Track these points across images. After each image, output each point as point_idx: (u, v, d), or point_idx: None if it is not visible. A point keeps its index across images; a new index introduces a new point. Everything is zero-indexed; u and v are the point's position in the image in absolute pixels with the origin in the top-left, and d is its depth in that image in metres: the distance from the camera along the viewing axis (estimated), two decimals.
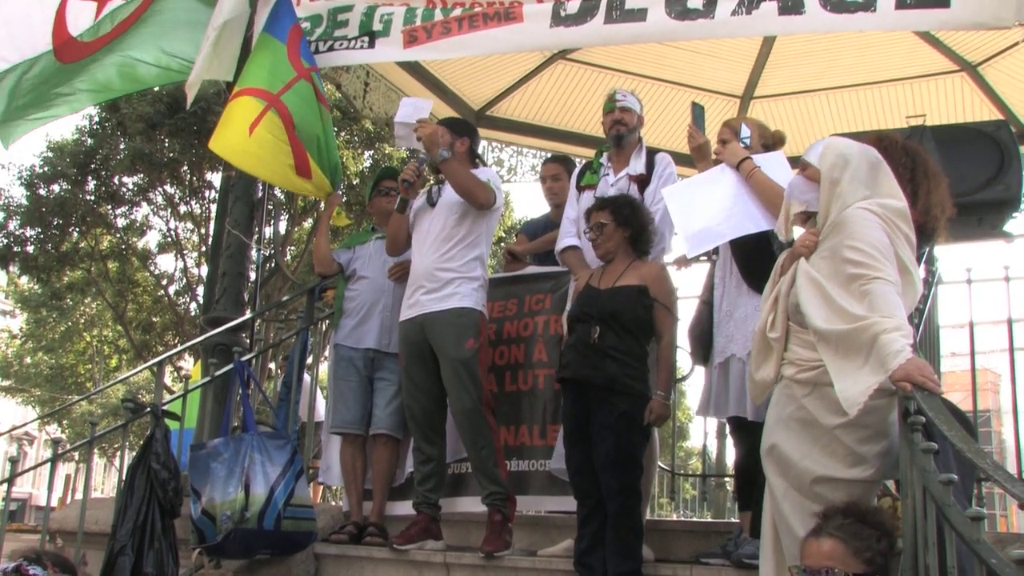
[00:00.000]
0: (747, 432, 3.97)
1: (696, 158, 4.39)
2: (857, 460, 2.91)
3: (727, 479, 6.99)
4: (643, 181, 4.53)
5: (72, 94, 5.49)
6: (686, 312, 4.59)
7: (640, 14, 4.42)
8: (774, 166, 3.99)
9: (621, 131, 4.59)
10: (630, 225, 4.16)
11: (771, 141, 4.32)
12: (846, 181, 3.10)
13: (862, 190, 3.09)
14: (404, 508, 4.85)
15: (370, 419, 4.92)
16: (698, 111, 4.41)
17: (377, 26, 5.13)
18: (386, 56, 5.32)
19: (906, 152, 3.56)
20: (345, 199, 15.76)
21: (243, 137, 5.01)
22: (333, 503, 7.11)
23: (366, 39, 5.18)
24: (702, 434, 6.79)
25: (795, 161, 3.56)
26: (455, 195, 4.62)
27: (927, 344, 3.89)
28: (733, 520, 4.28)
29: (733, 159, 4.07)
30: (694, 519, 11.64)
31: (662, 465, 6.25)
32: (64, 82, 5.44)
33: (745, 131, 4.18)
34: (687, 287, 4.97)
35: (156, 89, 16.02)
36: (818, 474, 2.91)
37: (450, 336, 4.45)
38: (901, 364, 2.69)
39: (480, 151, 7.70)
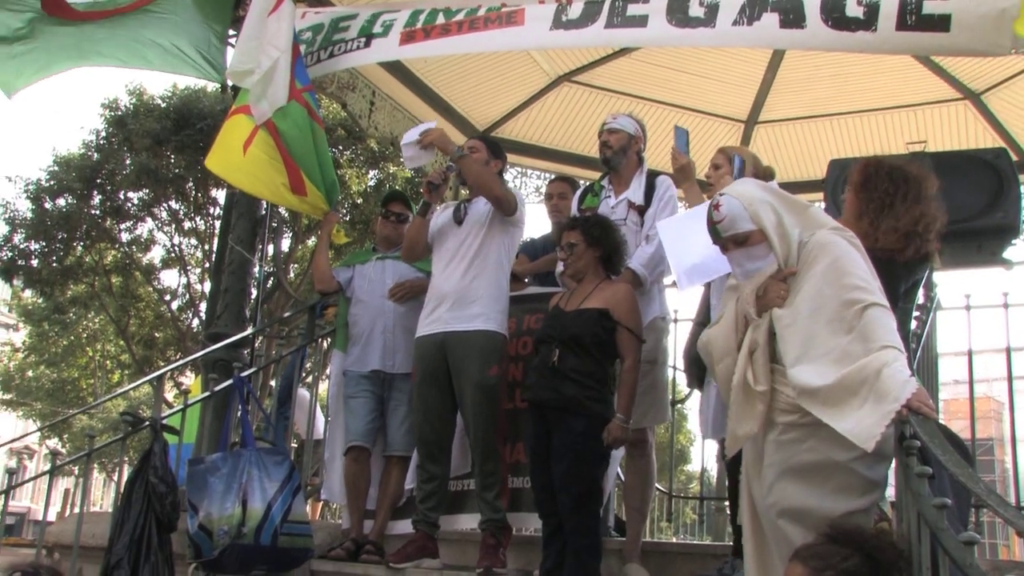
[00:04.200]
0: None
1: (679, 179, 4.44)
2: (870, 487, 2.90)
3: (726, 503, 6.98)
4: (642, 208, 4.56)
5: (78, 52, 5.40)
6: (685, 334, 4.61)
7: (641, 20, 4.41)
8: None
9: (606, 153, 4.64)
10: (601, 245, 4.20)
11: (762, 175, 4.33)
12: (787, 214, 3.10)
13: (796, 213, 3.12)
14: (403, 527, 4.84)
15: (376, 436, 4.92)
16: (681, 134, 4.44)
17: (377, 29, 5.12)
18: (381, 54, 5.26)
19: (890, 178, 3.58)
20: (348, 217, 15.82)
21: (238, 156, 5.05)
22: (332, 520, 7.10)
23: (363, 40, 5.17)
24: (702, 457, 6.80)
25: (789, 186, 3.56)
26: (482, 212, 4.65)
27: (925, 370, 3.90)
28: (730, 543, 4.26)
29: None
30: (694, 542, 11.57)
31: (660, 488, 6.25)
32: (63, 40, 5.36)
33: (738, 163, 4.19)
34: (689, 309, 4.98)
35: (163, 105, 16.21)
36: (841, 512, 2.84)
37: (474, 360, 4.42)
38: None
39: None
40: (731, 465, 4.23)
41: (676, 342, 5.18)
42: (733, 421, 3.11)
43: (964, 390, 5.19)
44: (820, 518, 2.84)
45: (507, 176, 7.76)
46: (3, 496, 5.00)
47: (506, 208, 4.58)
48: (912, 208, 3.51)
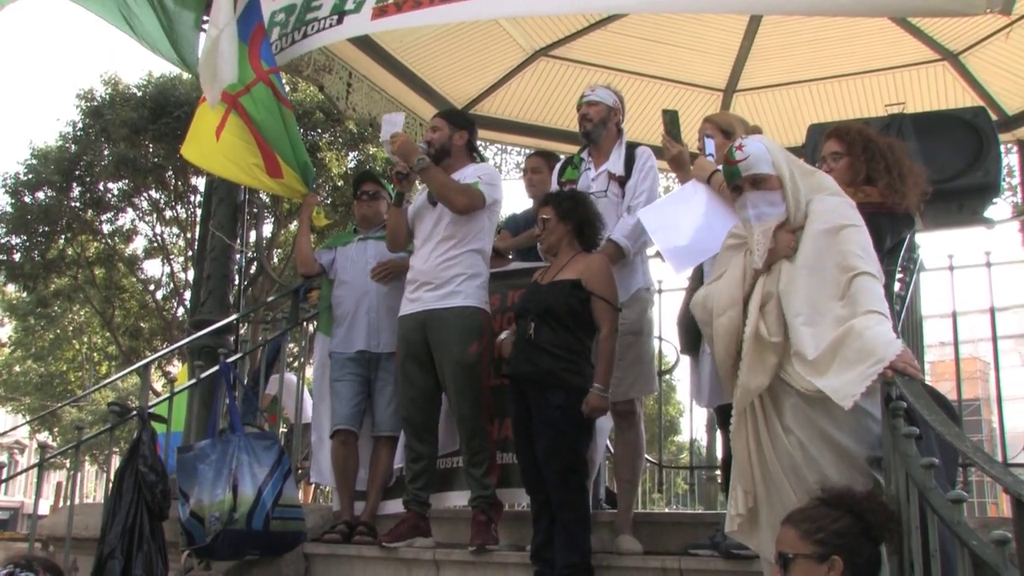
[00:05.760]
0: None
1: (673, 168, 4.32)
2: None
3: (717, 471, 7.01)
4: (623, 180, 4.54)
5: None
6: (675, 303, 4.60)
7: None
8: None
9: (586, 126, 4.61)
10: (572, 218, 4.19)
11: (750, 134, 4.32)
12: (797, 173, 3.16)
13: (805, 175, 3.18)
14: (395, 507, 4.85)
15: (363, 418, 4.93)
16: (670, 118, 4.29)
17: (349, 6, 5.08)
18: (353, 30, 5.21)
19: (861, 137, 3.63)
20: (329, 200, 15.74)
21: (211, 142, 5.03)
22: (324, 503, 7.10)
23: (335, 17, 5.12)
24: (691, 427, 6.83)
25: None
26: None
27: (910, 332, 3.90)
28: (722, 511, 4.28)
29: (702, 173, 4.03)
30: (685, 512, 11.66)
31: (651, 459, 6.28)
32: None
33: (710, 147, 4.17)
34: (674, 279, 4.97)
35: (139, 94, 16.07)
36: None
37: (454, 338, 4.42)
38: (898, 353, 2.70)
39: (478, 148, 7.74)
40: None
41: (661, 312, 5.19)
42: (745, 374, 3.07)
43: (950, 351, 5.22)
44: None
45: (488, 152, 7.77)
46: None
47: (476, 209, 4.55)
48: (912, 164, 3.57)
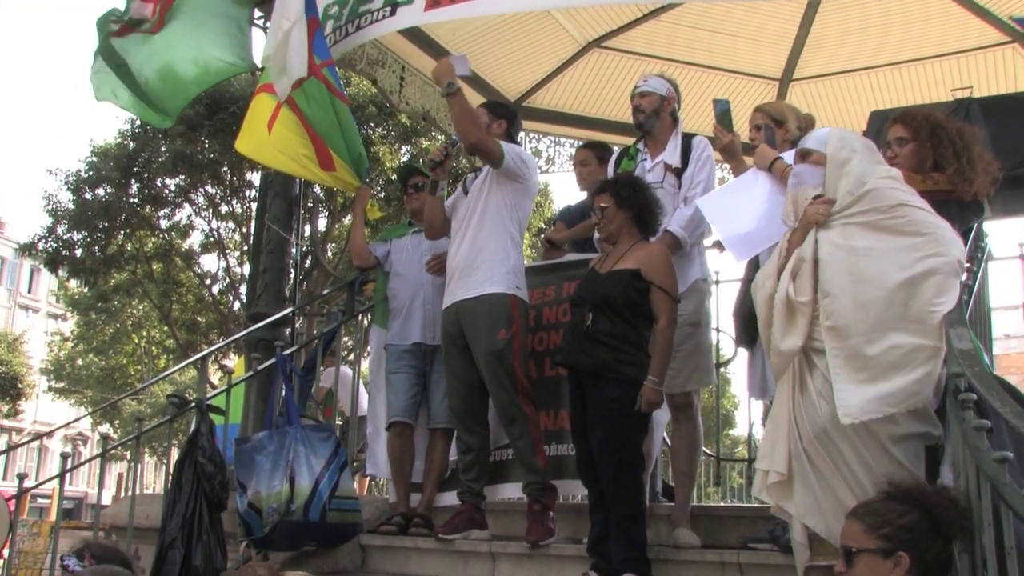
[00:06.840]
0: None
1: (725, 158, 4.30)
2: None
3: None
4: (679, 170, 4.48)
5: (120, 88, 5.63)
6: (732, 294, 4.53)
7: None
8: None
9: (639, 117, 4.57)
10: (631, 206, 4.12)
11: (804, 124, 4.25)
12: (856, 161, 3.21)
13: (872, 166, 3.24)
14: (451, 499, 4.84)
15: (419, 410, 4.94)
16: (722, 107, 4.26)
17: None
18: (407, 21, 5.19)
19: (928, 122, 3.61)
20: (383, 194, 15.82)
21: (264, 135, 5.05)
22: (379, 495, 7.15)
23: (389, 9, 5.11)
24: (748, 421, 6.74)
25: None
26: (484, 181, 4.62)
27: (978, 324, 3.79)
28: None
29: (764, 161, 4.02)
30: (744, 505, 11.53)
31: (707, 451, 6.21)
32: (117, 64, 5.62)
33: (771, 137, 4.13)
34: (732, 270, 4.90)
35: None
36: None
37: (481, 327, 4.41)
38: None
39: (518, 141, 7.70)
40: None
41: (718, 304, 5.12)
42: (778, 337, 3.17)
43: (1016, 344, 5.06)
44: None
45: (541, 145, 7.74)
46: (59, 480, 5.07)
47: (490, 158, 4.51)
48: (982, 150, 3.52)
